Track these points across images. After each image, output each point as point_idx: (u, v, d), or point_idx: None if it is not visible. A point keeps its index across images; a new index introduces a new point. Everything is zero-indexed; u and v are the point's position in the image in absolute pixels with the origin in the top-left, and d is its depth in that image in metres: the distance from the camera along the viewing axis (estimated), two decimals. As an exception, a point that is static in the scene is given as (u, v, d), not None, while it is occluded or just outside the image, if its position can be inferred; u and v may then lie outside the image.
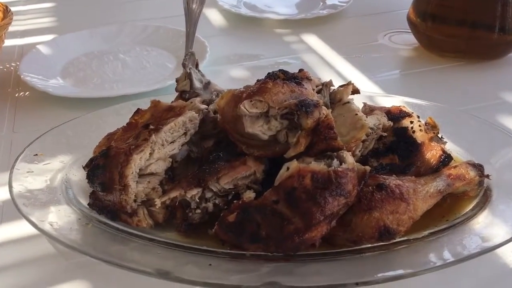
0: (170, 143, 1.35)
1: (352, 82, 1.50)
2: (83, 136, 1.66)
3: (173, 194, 1.21)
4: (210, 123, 1.47)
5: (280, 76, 1.34)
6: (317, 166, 1.18)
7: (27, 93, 2.20)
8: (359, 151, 1.37)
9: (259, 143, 1.30)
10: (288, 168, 1.21)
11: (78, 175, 1.45)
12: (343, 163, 1.20)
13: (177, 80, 1.64)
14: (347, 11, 3.04)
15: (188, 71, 1.59)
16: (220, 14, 3.05)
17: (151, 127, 1.32)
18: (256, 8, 3.02)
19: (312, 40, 2.75)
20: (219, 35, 2.84)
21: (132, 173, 1.26)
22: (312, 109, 1.24)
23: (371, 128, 1.39)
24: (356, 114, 1.39)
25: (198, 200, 1.22)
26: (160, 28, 2.73)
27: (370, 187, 1.26)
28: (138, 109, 1.43)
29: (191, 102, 1.40)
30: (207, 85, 1.64)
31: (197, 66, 1.67)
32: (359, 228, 1.17)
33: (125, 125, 1.44)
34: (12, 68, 2.44)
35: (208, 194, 1.24)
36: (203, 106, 1.41)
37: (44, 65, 2.37)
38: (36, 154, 1.56)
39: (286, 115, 1.24)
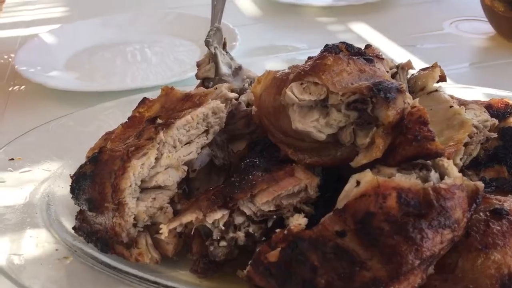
0: (185, 144, 0.97)
1: (438, 64, 1.08)
2: (76, 136, 1.30)
3: (188, 218, 0.83)
4: (242, 119, 1.08)
5: (343, 50, 0.93)
6: (406, 180, 0.78)
7: (23, 87, 1.88)
8: (461, 159, 0.94)
9: (313, 145, 0.91)
10: (358, 183, 0.81)
11: (66, 188, 1.07)
12: (445, 177, 0.78)
13: (198, 64, 1.26)
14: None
15: (213, 51, 1.21)
16: (252, 2, 2.69)
17: (159, 121, 0.93)
18: (293, -6, 2.66)
19: (362, 29, 2.39)
20: (251, 24, 2.50)
21: (131, 186, 0.88)
22: (395, 95, 0.83)
23: (476, 127, 0.97)
24: (451, 107, 0.98)
25: (223, 228, 0.83)
26: (181, 15, 2.39)
27: (482, 214, 0.84)
28: (144, 98, 1.06)
29: (216, 89, 1.01)
30: (237, 70, 1.25)
31: (224, 46, 1.28)
32: (469, 276, 0.84)
33: (126, 120, 1.05)
34: (10, 59, 2.11)
35: (239, 219, 0.85)
36: (233, 95, 1.03)
37: (46, 56, 2.09)
38: (12, 159, 1.19)
39: (354, 104, 0.84)
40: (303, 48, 2.27)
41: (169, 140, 0.98)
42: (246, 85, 1.27)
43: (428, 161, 0.86)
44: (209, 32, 1.29)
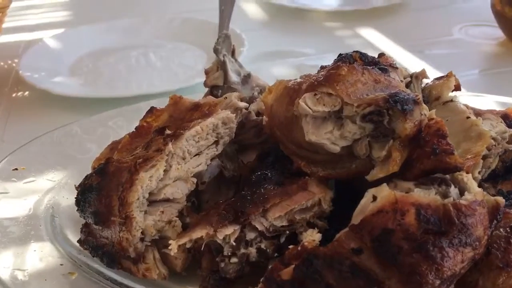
0: (195, 155, 0.95)
1: (453, 73, 1.06)
2: (81, 145, 1.27)
3: (198, 233, 0.80)
4: (252, 129, 1.06)
5: (357, 59, 0.91)
6: (425, 196, 0.76)
7: (26, 92, 1.86)
8: (479, 172, 0.91)
9: (327, 157, 0.88)
10: (375, 198, 0.78)
11: (71, 199, 1.04)
12: (465, 193, 0.76)
13: (206, 72, 1.24)
14: (409, 2, 2.63)
15: (222, 59, 1.19)
16: (259, 7, 2.68)
17: (168, 132, 0.91)
18: (300, -2, 2.65)
19: (369, 34, 2.37)
20: (258, 29, 2.47)
21: (138, 199, 0.86)
22: (412, 107, 0.80)
23: (494, 139, 0.94)
24: (468, 118, 0.95)
25: (234, 244, 0.80)
26: (187, 20, 2.37)
27: (502, 230, 0.82)
28: (152, 107, 1.03)
29: (226, 98, 0.98)
30: (246, 78, 1.23)
31: (233, 53, 1.26)
32: (490, 296, 0.74)
33: (134, 130, 1.03)
34: (14, 65, 2.09)
35: (250, 235, 0.82)
36: (243, 104, 1.00)
37: (50, 61, 2.07)
38: (16, 169, 1.16)
39: (370, 116, 0.82)
40: (311, 54, 2.25)
41: (178, 151, 0.96)
42: (256, 93, 1.25)
43: (447, 176, 0.83)
44: (218, 39, 1.27)
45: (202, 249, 0.87)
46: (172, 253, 0.86)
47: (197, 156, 0.99)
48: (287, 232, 0.89)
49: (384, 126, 0.86)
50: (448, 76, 1.11)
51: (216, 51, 1.24)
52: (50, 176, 1.23)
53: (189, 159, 0.98)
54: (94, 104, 1.69)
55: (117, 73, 2.05)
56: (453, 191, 0.80)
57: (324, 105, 0.89)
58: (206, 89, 1.31)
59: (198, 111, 1.04)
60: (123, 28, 2.41)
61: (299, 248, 0.83)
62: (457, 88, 1.13)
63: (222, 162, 1.05)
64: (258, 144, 1.11)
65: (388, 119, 0.85)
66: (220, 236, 0.85)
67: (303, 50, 2.26)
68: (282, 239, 0.90)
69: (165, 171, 0.95)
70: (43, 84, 1.82)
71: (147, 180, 0.92)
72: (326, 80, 0.90)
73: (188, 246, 0.86)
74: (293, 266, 0.81)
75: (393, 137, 0.86)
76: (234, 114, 1.02)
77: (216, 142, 1.02)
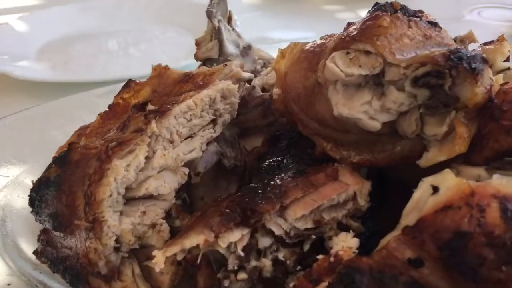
0: (186, 138, 0.71)
1: (504, 37, 0.85)
2: (43, 134, 1.03)
3: (193, 240, 0.58)
4: (257, 108, 0.84)
5: (397, 7, 0.70)
6: (510, 183, 0.52)
7: (-13, 78, 1.59)
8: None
9: (361, 138, 0.69)
10: (435, 189, 0.55)
11: (27, 198, 0.81)
12: None
13: (198, 42, 1.01)
14: (416, -18, 2.43)
15: (217, 25, 0.96)
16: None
17: (151, 107, 0.68)
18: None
19: None
20: (250, 11, 2.24)
21: (111, 195, 0.66)
22: (481, 66, 0.58)
23: None
24: None
25: (242, 254, 0.57)
26: (173, 1, 2.13)
27: None
28: (130, 80, 0.80)
29: (225, 66, 0.76)
30: (246, 50, 1.01)
31: (229, 21, 1.03)
32: None
33: (106, 109, 0.80)
34: (-25, 49, 1.84)
35: (264, 241, 0.61)
36: (247, 75, 0.78)
37: (15, 45, 1.81)
38: (-41, 162, 0.93)
39: (425, 79, 0.59)
40: (311, 37, 2.02)
41: (164, 132, 0.73)
42: (259, 67, 1.03)
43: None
44: (211, 1, 1.04)
45: (198, 261, 0.64)
46: (157, 268, 0.63)
47: (189, 139, 0.77)
48: (313, 237, 0.67)
49: (444, 92, 0.64)
50: (500, 40, 0.90)
51: (209, 14, 1.02)
52: (3, 172, 0.99)
53: (179, 142, 0.76)
54: (63, 91, 1.44)
55: (91, 57, 1.84)
56: (547, 178, 0.59)
57: (360, 66, 0.68)
58: (198, 65, 1.09)
59: (189, 82, 0.82)
60: (99, 10, 2.18)
61: (331, 259, 0.61)
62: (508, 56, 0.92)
63: (221, 148, 0.83)
64: (265, 126, 0.90)
65: (452, 82, 0.64)
66: (223, 244, 0.63)
67: (302, 33, 2.04)
68: (306, 247, 0.67)
69: (147, 158, 0.73)
70: (3, 67, 1.57)
71: (122, 170, 0.70)
72: (362, 34, 0.69)
73: (179, 258, 0.63)
74: (325, 284, 0.59)
75: (455, 108, 0.65)
76: (237, 85, 0.79)
77: (214, 122, 0.80)
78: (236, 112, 0.82)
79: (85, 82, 1.49)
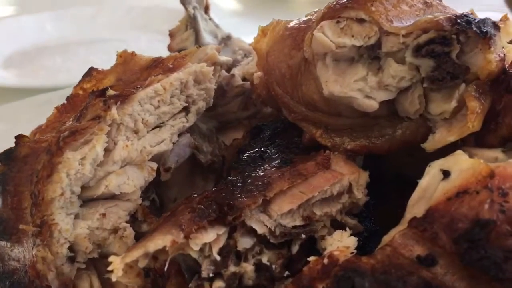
0: (154, 128, 0.61)
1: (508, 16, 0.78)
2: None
3: (158, 242, 0.47)
4: (236, 98, 0.75)
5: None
6: None
7: None
8: None
9: (355, 121, 0.60)
10: (447, 174, 0.46)
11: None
12: None
13: (172, 34, 0.92)
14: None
15: (192, 12, 0.87)
16: (232, -4, 2.40)
17: (111, 92, 0.58)
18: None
19: None
20: (231, 17, 2.16)
21: (63, 194, 0.55)
22: (493, 31, 0.50)
23: None
24: None
25: (218, 258, 0.46)
26: (151, 9, 2.06)
27: None
28: (91, 68, 0.71)
29: (199, 47, 0.67)
30: (226, 40, 0.93)
31: (206, 10, 0.95)
32: None
33: (64, 102, 0.71)
34: None
35: (245, 242, 0.51)
36: (225, 58, 0.69)
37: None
38: None
39: (430, 47, 0.50)
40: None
41: (127, 120, 0.64)
42: (239, 57, 0.94)
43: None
44: (185, -14, 0.96)
45: (166, 269, 0.54)
46: (114, 277, 0.52)
47: (158, 129, 0.68)
48: (303, 236, 0.57)
49: (451, 61, 0.56)
50: (504, 19, 0.83)
51: (184, 1, 0.93)
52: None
53: (145, 133, 0.66)
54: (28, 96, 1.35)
55: (60, 65, 1.73)
56: None
57: (352, 36, 0.59)
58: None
59: (158, 68, 0.72)
60: (75, 18, 2.10)
61: (325, 260, 0.51)
62: (514, 36, 0.84)
63: (196, 141, 0.73)
64: (245, 119, 0.80)
65: (461, 49, 0.55)
66: (194, 246, 0.53)
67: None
68: (295, 248, 0.57)
69: (107, 150, 0.63)
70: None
71: (76, 164, 0.60)
72: (354, 0, 0.60)
73: (141, 264, 0.53)
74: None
75: (465, 80, 0.56)
76: (212, 68, 0.70)
77: (186, 110, 0.70)
78: (212, 100, 0.73)
79: (47, 88, 1.40)
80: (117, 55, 0.80)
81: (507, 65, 0.59)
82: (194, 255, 0.55)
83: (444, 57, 0.56)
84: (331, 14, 0.62)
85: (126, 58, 0.79)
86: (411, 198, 0.55)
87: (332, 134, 0.64)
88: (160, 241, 0.53)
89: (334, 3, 0.63)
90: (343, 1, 0.62)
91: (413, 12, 0.61)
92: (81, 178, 0.61)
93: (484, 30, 0.55)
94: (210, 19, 1.02)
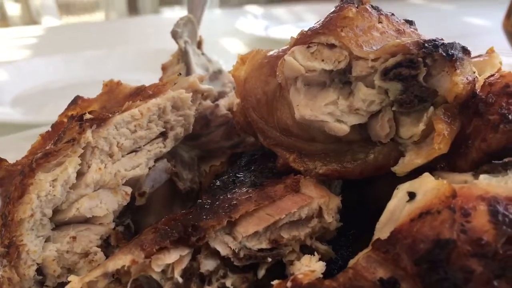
0: (130, 153, 0.62)
1: (494, 49, 0.79)
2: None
3: (118, 262, 0.46)
4: (220, 128, 0.76)
5: (367, 2, 0.63)
6: (501, 184, 0.43)
7: None
8: None
9: (328, 146, 0.60)
10: (412, 196, 0.46)
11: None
12: None
13: (164, 67, 0.94)
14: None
15: (183, 46, 0.89)
16: (239, 40, 2.46)
17: (88, 116, 0.59)
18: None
19: None
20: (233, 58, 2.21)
21: (33, 215, 0.56)
22: (461, 55, 0.50)
23: None
24: None
25: (180, 280, 0.46)
26: (160, 52, 2.12)
27: None
28: (77, 96, 0.73)
29: (180, 75, 0.69)
30: (217, 74, 0.95)
31: (199, 45, 0.97)
32: None
33: (49, 129, 0.73)
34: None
35: (208, 265, 0.50)
36: (206, 87, 0.70)
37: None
38: None
39: (397, 70, 0.51)
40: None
41: (102, 143, 0.64)
42: (228, 89, 0.95)
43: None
44: (177, 21, 0.99)
45: (127, 289, 0.54)
46: (73, 296, 0.52)
47: (134, 153, 0.68)
48: (269, 259, 0.56)
49: (419, 84, 0.56)
50: (489, 52, 0.83)
51: (174, 34, 0.96)
52: None
53: (120, 157, 0.67)
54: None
55: (67, 103, 1.76)
56: (547, 177, 0.49)
57: (323, 60, 0.60)
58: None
59: (140, 95, 0.74)
60: (85, 61, 2.17)
61: (288, 283, 0.50)
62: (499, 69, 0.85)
63: (174, 167, 0.74)
64: (229, 148, 0.81)
65: (426, 73, 0.55)
66: (156, 267, 0.52)
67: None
68: (261, 272, 0.56)
69: (81, 173, 0.63)
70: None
71: (47, 186, 0.60)
72: (325, 26, 0.62)
73: (101, 285, 0.52)
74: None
75: (433, 103, 0.56)
76: (190, 94, 0.71)
77: (164, 135, 0.71)
78: (191, 127, 0.74)
79: (50, 122, 1.43)
80: (103, 84, 0.83)
81: (478, 90, 0.59)
82: (156, 277, 0.54)
83: (411, 80, 0.57)
84: (303, 40, 0.63)
85: (111, 87, 0.81)
86: (379, 221, 0.54)
87: (305, 159, 0.64)
88: (120, 261, 0.53)
89: (307, 30, 0.64)
90: (315, 28, 0.63)
91: (384, 38, 0.62)
92: (52, 200, 0.61)
93: (451, 53, 0.56)
94: (203, 54, 1.05)
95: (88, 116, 0.67)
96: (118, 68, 2.13)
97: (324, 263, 0.55)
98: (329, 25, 0.62)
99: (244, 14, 2.79)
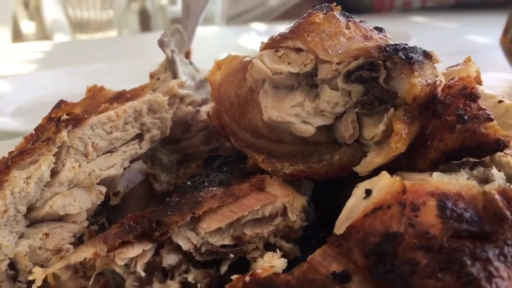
0: (105, 153, 0.63)
1: (471, 59, 0.81)
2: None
3: (80, 255, 0.47)
4: (200, 133, 0.78)
5: (337, 10, 0.65)
6: (452, 181, 0.44)
7: None
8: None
9: (296, 148, 0.62)
10: (369, 192, 0.47)
11: None
12: None
13: (151, 75, 0.97)
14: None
15: (169, 54, 0.92)
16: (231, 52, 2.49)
17: (65, 116, 0.62)
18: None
19: None
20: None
21: (6, 211, 0.57)
22: (422, 58, 0.52)
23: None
24: (501, 101, 0.67)
25: (143, 274, 0.47)
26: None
27: None
28: (61, 101, 0.76)
29: (158, 79, 0.71)
30: (203, 83, 0.97)
31: (187, 55, 1.00)
32: None
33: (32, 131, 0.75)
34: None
35: (170, 259, 0.51)
36: (184, 92, 0.73)
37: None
38: None
39: (358, 73, 0.53)
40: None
41: (77, 143, 0.67)
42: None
43: (484, 159, 0.54)
44: (165, 31, 1.02)
45: (89, 283, 0.55)
46: (34, 287, 0.53)
47: (109, 154, 0.70)
48: (231, 255, 0.57)
49: (379, 86, 0.58)
50: (466, 61, 0.85)
51: (161, 44, 0.99)
52: None
53: (95, 156, 0.68)
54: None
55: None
56: (498, 174, 0.51)
57: (289, 63, 0.62)
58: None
59: (120, 99, 0.76)
60: (88, 73, 2.21)
61: (246, 278, 0.51)
62: (478, 79, 0.86)
63: (150, 168, 0.75)
64: (207, 153, 0.83)
65: (386, 75, 0.57)
66: (119, 261, 0.54)
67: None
68: (223, 268, 0.58)
69: (55, 172, 0.65)
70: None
71: (21, 183, 0.62)
72: (292, 31, 0.64)
73: (64, 277, 0.54)
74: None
75: (394, 105, 0.58)
76: (167, 98, 0.74)
77: (140, 137, 0.73)
78: (168, 130, 0.76)
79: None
80: (87, 89, 0.85)
81: (439, 93, 0.60)
82: (119, 270, 0.55)
83: (372, 82, 0.58)
84: (272, 44, 0.65)
85: (94, 92, 0.83)
86: (338, 219, 0.55)
87: (273, 160, 0.66)
88: (83, 254, 0.54)
89: (277, 35, 0.67)
90: (284, 33, 0.65)
91: (351, 44, 0.64)
92: (26, 196, 0.63)
93: (410, 56, 0.57)
94: (191, 63, 1.07)
95: (65, 117, 0.70)
96: (120, 81, 2.16)
97: (286, 260, 0.56)
98: (296, 30, 0.64)
99: (248, 31, 2.83)
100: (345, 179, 0.63)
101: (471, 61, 0.86)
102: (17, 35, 5.04)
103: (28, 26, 5.27)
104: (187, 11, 1.43)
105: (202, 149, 0.84)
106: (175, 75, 1.00)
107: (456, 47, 2.70)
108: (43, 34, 5.20)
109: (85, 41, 3.39)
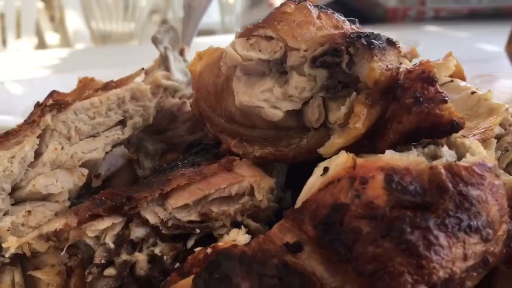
0: (88, 137, 0.67)
1: (452, 53, 0.83)
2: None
3: (49, 226, 0.51)
4: (185, 123, 0.81)
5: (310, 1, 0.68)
6: (402, 157, 0.47)
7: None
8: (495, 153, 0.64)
9: (267, 133, 0.64)
10: (326, 169, 0.50)
11: None
12: (467, 154, 0.48)
13: (146, 72, 1.01)
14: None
15: (163, 51, 0.96)
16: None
17: (51, 102, 0.66)
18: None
19: None
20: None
21: None
22: (384, 44, 0.55)
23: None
24: (474, 93, 0.69)
25: (112, 246, 0.51)
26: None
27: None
28: (53, 91, 0.79)
29: (142, 69, 0.75)
30: (195, 79, 0.98)
31: (181, 53, 1.03)
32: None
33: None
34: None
35: (138, 232, 0.54)
36: (168, 83, 0.76)
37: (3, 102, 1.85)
38: None
39: (322, 59, 0.55)
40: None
41: (60, 126, 0.71)
42: (202, 92, 1.01)
43: (439, 140, 0.56)
44: (159, 28, 1.06)
45: (62, 252, 0.59)
46: (7, 253, 0.57)
47: (92, 138, 0.74)
48: (197, 231, 0.60)
49: (342, 71, 0.61)
50: (447, 55, 0.87)
51: (154, 40, 1.03)
52: None
53: (78, 140, 0.72)
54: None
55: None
56: (447, 152, 0.53)
57: (260, 51, 0.65)
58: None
59: (107, 89, 0.80)
60: (98, 78, 2.27)
61: (208, 250, 0.54)
62: (459, 74, 0.88)
63: (133, 154, 0.79)
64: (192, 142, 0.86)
65: (349, 60, 0.60)
66: (90, 233, 0.57)
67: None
68: (190, 243, 0.61)
69: (39, 153, 0.69)
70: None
71: (6, 162, 0.66)
72: (265, 20, 0.67)
73: (37, 247, 0.58)
74: (192, 276, 0.52)
75: (357, 89, 0.61)
76: (149, 87, 0.77)
77: (122, 123, 0.76)
78: (151, 118, 0.79)
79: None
80: (78, 80, 0.89)
81: (402, 79, 0.63)
82: (90, 241, 0.59)
83: (335, 67, 0.61)
84: (245, 33, 0.68)
85: (85, 83, 0.87)
86: (298, 198, 0.58)
87: (245, 143, 0.69)
88: (55, 224, 0.58)
89: (251, 24, 0.70)
90: (257, 23, 0.68)
91: (320, 33, 0.67)
92: (10, 175, 0.67)
93: (370, 42, 0.60)
94: (185, 60, 1.11)
95: (51, 101, 0.74)
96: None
97: (249, 236, 0.59)
98: (268, 20, 0.67)
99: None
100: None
101: (451, 55, 0.88)
102: (42, 46, 5.17)
103: (52, 38, 5.40)
104: (188, 11, 1.48)
105: (187, 139, 0.87)
106: (168, 71, 1.04)
107: (467, 55, 2.70)
108: (67, 45, 5.33)
109: (103, 48, 3.45)
